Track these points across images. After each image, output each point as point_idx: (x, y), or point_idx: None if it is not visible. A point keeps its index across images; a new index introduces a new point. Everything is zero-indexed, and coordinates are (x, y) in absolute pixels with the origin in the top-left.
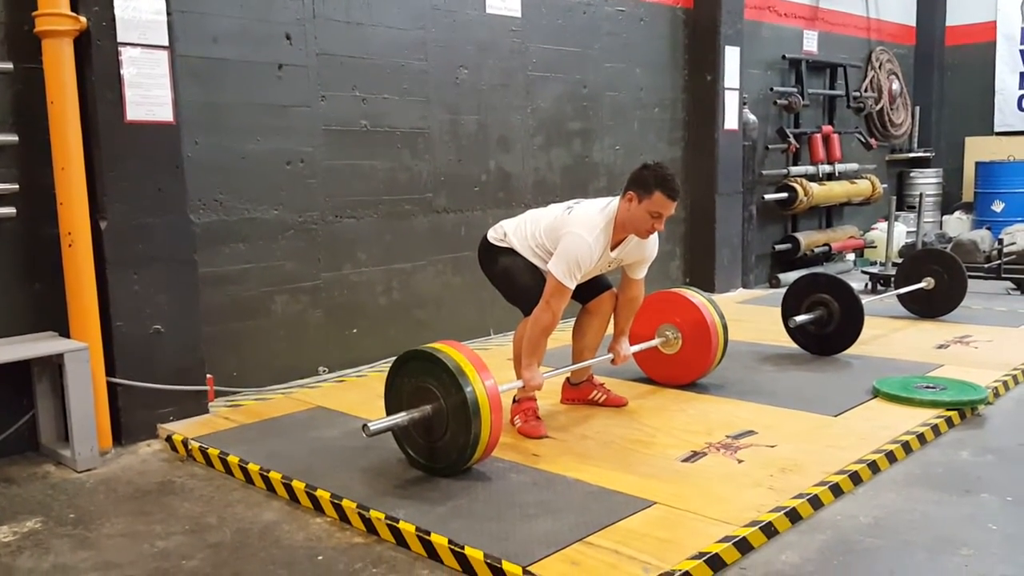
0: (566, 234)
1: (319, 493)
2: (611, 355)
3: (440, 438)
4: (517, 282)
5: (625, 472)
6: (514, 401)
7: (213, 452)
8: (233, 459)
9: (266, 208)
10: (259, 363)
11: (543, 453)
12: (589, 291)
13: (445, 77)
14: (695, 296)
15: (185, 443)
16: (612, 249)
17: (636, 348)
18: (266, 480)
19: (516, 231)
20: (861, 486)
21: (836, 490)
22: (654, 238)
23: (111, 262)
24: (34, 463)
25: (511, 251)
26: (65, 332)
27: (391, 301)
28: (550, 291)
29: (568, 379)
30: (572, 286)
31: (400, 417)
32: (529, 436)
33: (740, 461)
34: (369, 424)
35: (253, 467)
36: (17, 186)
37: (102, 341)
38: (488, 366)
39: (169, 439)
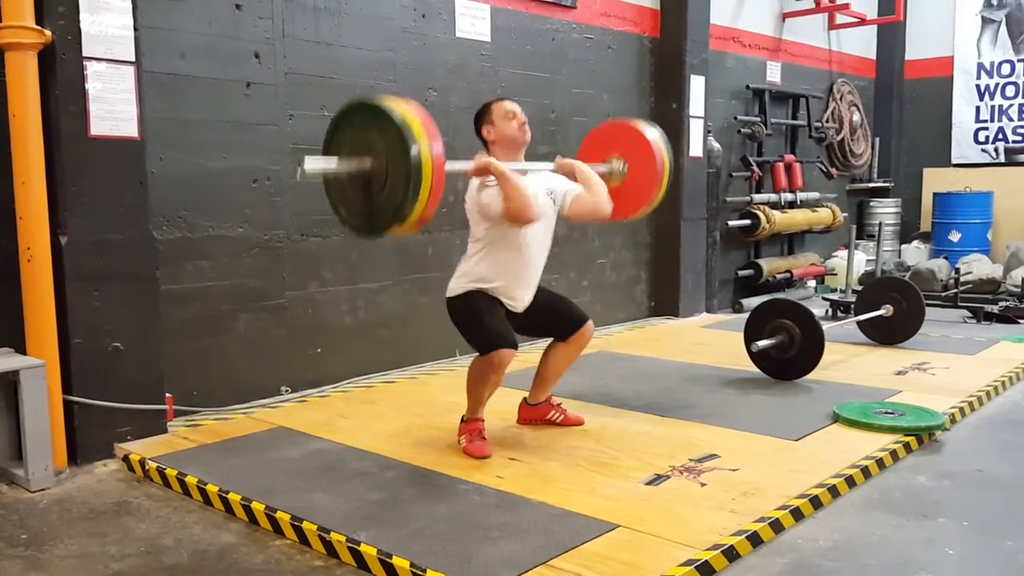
0: (473, 201)
1: (279, 515)
2: (554, 164)
3: (378, 193)
4: (477, 320)
5: (588, 495)
6: (462, 421)
7: (171, 472)
8: (191, 479)
9: (231, 225)
10: (220, 382)
11: (507, 475)
12: (567, 324)
13: (414, 98)
14: (648, 129)
15: (142, 463)
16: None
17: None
18: (225, 501)
19: (459, 271)
20: (821, 510)
21: (797, 514)
22: (559, 177)
23: (71, 278)
24: None
25: (466, 293)
26: (21, 348)
27: (356, 320)
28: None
29: (525, 399)
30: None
31: (340, 162)
32: (473, 456)
33: (703, 484)
34: (305, 161)
35: (212, 488)
36: None
37: (59, 358)
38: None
39: (126, 459)
